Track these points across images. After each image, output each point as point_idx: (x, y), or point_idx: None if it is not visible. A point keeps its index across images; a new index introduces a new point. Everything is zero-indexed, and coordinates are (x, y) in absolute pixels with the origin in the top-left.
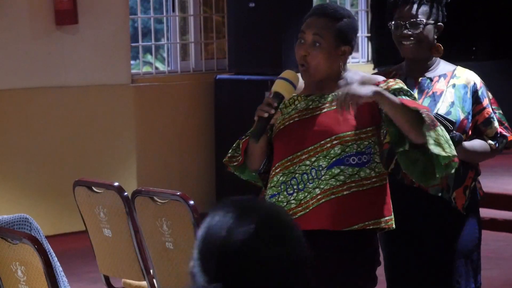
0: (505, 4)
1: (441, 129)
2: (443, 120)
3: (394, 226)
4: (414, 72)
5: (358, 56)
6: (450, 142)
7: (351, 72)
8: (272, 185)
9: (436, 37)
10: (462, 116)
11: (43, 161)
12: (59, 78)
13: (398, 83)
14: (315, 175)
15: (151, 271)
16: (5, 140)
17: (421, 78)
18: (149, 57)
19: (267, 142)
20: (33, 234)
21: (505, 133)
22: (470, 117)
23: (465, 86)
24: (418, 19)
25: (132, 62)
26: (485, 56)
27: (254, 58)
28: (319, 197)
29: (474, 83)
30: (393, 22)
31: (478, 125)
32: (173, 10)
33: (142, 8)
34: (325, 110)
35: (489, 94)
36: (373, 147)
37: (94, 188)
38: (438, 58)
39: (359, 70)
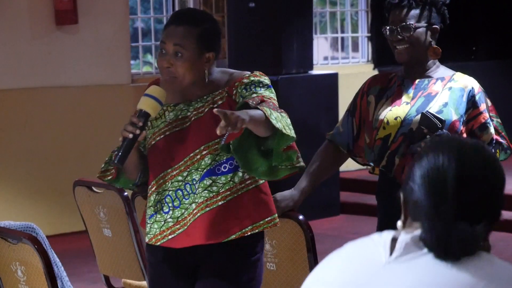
0: (505, 4)
1: (285, 116)
2: (432, 118)
3: (278, 224)
4: (412, 75)
5: (358, 56)
6: (291, 126)
7: (219, 73)
8: (150, 205)
9: (431, 39)
10: (454, 117)
11: (43, 161)
12: (59, 78)
13: (251, 77)
14: (190, 190)
15: None
16: (5, 140)
17: (418, 80)
18: (149, 57)
19: (138, 156)
20: None
21: (501, 141)
22: (462, 119)
23: (462, 89)
24: (408, 23)
25: (132, 62)
26: (485, 56)
27: (254, 58)
28: (195, 211)
29: (472, 88)
30: (387, 28)
31: (474, 130)
32: (173, 10)
33: (142, 8)
34: (193, 118)
35: (488, 101)
36: None
37: (94, 188)
38: (438, 63)
39: (232, 71)
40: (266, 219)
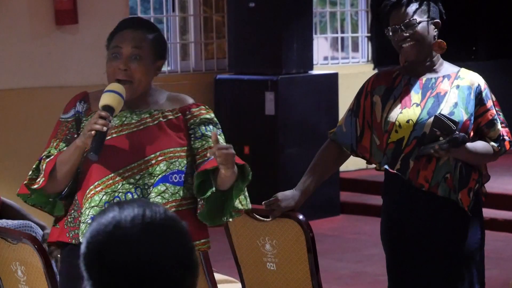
0: (505, 4)
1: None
2: (447, 120)
3: (208, 249)
4: (418, 72)
5: (358, 56)
6: (247, 196)
7: (157, 91)
8: (93, 204)
9: (435, 34)
10: (465, 117)
11: None
12: (59, 78)
13: (209, 113)
14: (140, 194)
15: None
16: (5, 140)
17: (425, 79)
18: None
19: (78, 164)
20: None
21: (506, 137)
22: (472, 118)
23: (469, 87)
24: (412, 19)
25: None
26: (485, 56)
27: (254, 58)
28: None
29: (478, 85)
30: (389, 28)
31: (481, 127)
32: (173, 10)
33: (142, 8)
34: (142, 127)
35: (493, 96)
36: (189, 167)
37: None
38: (441, 59)
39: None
40: (202, 240)
